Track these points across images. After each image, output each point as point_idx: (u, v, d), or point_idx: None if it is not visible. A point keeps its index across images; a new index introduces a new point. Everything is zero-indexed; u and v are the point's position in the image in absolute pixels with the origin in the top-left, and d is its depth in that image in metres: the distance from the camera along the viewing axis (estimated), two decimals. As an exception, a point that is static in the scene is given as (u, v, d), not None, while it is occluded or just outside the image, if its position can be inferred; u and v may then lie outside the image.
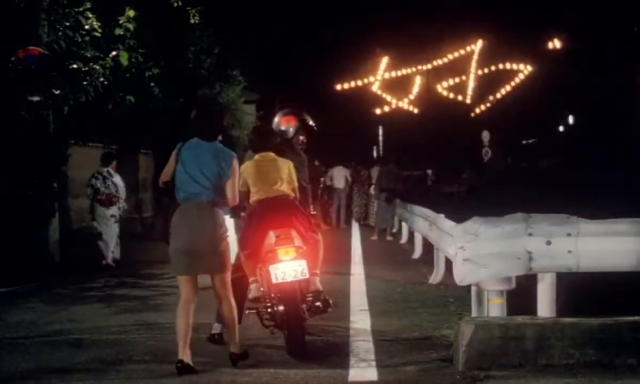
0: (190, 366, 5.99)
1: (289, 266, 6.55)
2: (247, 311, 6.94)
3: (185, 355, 6.01)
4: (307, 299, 6.72)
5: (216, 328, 7.10)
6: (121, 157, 14.54)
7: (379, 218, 18.87)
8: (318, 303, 6.75)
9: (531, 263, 6.46)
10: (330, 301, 6.91)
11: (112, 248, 13.16)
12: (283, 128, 7.51)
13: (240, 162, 7.37)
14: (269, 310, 6.63)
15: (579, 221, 6.53)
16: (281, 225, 6.73)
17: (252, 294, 6.76)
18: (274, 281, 6.54)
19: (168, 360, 6.39)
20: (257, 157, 7.04)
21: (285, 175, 6.95)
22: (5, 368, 6.31)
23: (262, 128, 7.92)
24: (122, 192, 13.34)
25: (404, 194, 18.05)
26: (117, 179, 13.31)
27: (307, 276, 6.63)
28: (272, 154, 7.04)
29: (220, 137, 6.36)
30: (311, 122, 7.64)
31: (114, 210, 13.08)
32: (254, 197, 6.92)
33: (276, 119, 7.63)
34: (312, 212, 7.62)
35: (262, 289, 6.72)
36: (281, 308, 6.50)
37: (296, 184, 7.05)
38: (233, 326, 6.25)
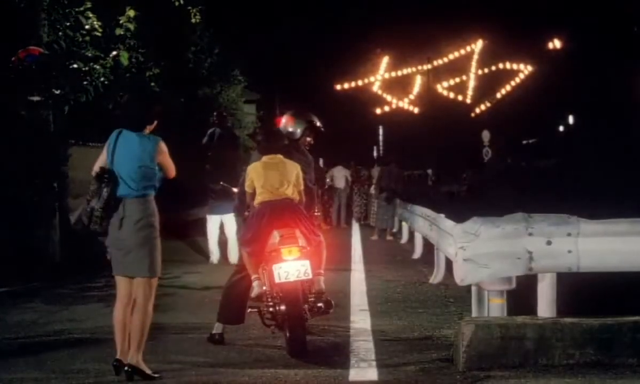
0: (133, 366, 5.79)
1: (292, 266, 6.54)
2: (248, 310, 6.94)
3: (123, 355, 5.86)
4: (309, 300, 6.71)
5: (217, 328, 7.10)
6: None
7: (379, 218, 18.89)
8: (320, 304, 6.74)
9: (531, 263, 6.45)
10: (333, 302, 6.91)
11: None
12: (290, 129, 7.49)
13: (245, 163, 7.37)
14: (271, 309, 6.62)
15: (579, 221, 6.52)
16: (285, 224, 6.71)
17: (254, 292, 6.76)
18: (276, 280, 6.53)
19: (168, 360, 6.41)
20: (265, 158, 6.99)
21: (293, 178, 6.91)
22: (6, 368, 6.31)
23: (270, 130, 7.79)
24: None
25: (403, 194, 18.06)
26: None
27: (310, 276, 6.62)
28: (280, 156, 6.98)
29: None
30: (318, 124, 7.64)
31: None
32: (258, 198, 6.90)
33: (283, 120, 7.63)
34: (316, 213, 7.61)
35: (264, 287, 6.72)
36: (283, 307, 6.49)
37: (302, 187, 7.02)
38: (141, 338, 5.89)
